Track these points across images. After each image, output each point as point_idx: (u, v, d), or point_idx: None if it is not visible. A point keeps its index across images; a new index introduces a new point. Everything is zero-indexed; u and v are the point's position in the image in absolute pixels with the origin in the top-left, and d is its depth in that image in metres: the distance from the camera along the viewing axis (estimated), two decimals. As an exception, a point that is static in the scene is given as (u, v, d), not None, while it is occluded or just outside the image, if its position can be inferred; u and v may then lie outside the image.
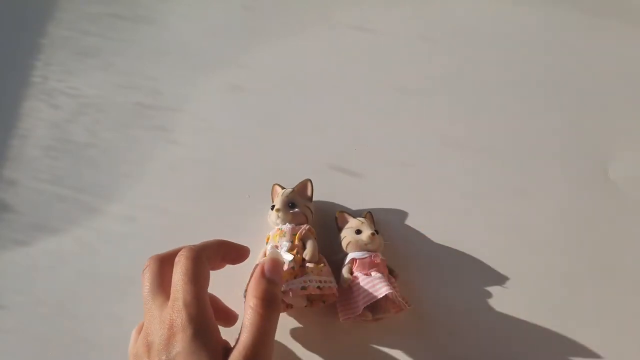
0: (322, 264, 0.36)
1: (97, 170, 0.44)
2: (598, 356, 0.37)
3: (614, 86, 0.47)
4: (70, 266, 0.41)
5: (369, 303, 0.35)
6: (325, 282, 0.36)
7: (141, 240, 0.42)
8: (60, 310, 0.39)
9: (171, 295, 0.30)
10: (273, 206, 0.39)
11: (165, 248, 0.41)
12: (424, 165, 0.44)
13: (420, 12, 0.51)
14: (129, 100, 0.47)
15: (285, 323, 0.38)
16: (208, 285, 0.32)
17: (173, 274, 0.31)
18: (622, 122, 0.46)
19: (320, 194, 0.41)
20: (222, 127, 0.46)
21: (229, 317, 0.36)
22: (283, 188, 0.40)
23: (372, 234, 0.37)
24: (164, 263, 0.33)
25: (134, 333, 0.33)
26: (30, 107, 0.47)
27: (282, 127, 0.46)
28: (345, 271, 0.37)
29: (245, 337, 0.29)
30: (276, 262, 0.32)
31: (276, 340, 0.37)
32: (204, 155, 0.45)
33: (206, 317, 0.29)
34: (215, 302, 0.36)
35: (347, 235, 0.38)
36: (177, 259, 0.32)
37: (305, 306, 0.37)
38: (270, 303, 0.30)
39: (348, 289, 0.36)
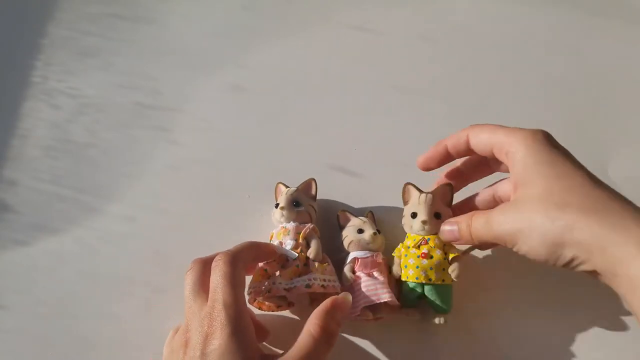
0: (326, 263, 0.37)
1: (97, 170, 0.45)
2: None
3: (614, 86, 0.47)
4: (70, 266, 0.41)
5: (368, 305, 0.35)
6: (329, 281, 0.36)
7: (141, 240, 0.42)
8: (60, 310, 0.39)
9: (210, 296, 0.31)
10: (277, 204, 0.39)
11: (165, 248, 0.41)
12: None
13: (421, 12, 0.51)
14: (129, 100, 0.47)
15: (288, 322, 0.38)
16: (244, 288, 0.33)
17: (211, 277, 0.32)
18: (623, 121, 0.46)
19: (320, 194, 0.40)
20: (222, 127, 0.46)
21: (261, 333, 0.36)
22: (287, 187, 0.40)
23: (374, 234, 0.37)
24: (206, 266, 0.34)
25: (171, 332, 0.34)
26: (30, 107, 0.47)
27: (282, 127, 0.46)
28: (347, 270, 0.37)
29: (294, 353, 0.30)
30: (347, 305, 0.34)
31: (276, 341, 0.37)
32: (204, 155, 0.45)
33: (244, 318, 0.30)
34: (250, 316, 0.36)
35: (348, 235, 0.38)
36: (214, 263, 0.33)
37: (310, 304, 0.37)
38: (329, 338, 0.31)
39: (349, 288, 0.36)
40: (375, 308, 0.36)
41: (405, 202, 0.38)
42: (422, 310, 0.37)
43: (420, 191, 0.37)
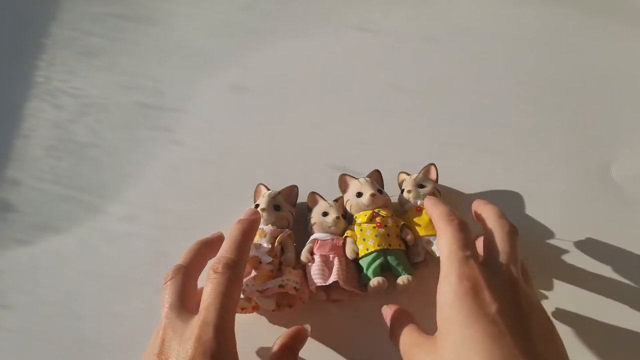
0: (298, 269, 0.37)
1: (99, 170, 0.45)
2: None
3: (615, 86, 0.47)
4: (73, 266, 0.41)
5: (317, 286, 0.36)
6: (300, 284, 0.36)
7: (143, 240, 0.42)
8: (62, 309, 0.40)
9: (199, 316, 0.29)
10: (257, 205, 0.39)
11: (166, 248, 0.41)
12: (425, 165, 0.44)
13: (422, 12, 0.51)
14: (131, 101, 0.48)
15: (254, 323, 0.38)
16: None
17: (204, 293, 0.30)
18: (624, 120, 0.45)
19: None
20: (223, 127, 0.46)
21: None
22: (268, 189, 0.40)
23: (337, 217, 0.38)
24: (191, 276, 0.33)
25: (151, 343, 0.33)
26: (33, 107, 0.47)
27: (283, 127, 0.46)
28: (305, 250, 0.37)
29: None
30: (307, 335, 0.34)
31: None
32: (206, 155, 0.45)
33: (233, 343, 0.29)
34: None
35: (314, 216, 0.39)
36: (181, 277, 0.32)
37: (273, 310, 0.36)
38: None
39: (305, 268, 0.37)
40: (332, 290, 0.37)
41: (344, 191, 0.40)
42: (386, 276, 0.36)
43: (356, 178, 0.40)
